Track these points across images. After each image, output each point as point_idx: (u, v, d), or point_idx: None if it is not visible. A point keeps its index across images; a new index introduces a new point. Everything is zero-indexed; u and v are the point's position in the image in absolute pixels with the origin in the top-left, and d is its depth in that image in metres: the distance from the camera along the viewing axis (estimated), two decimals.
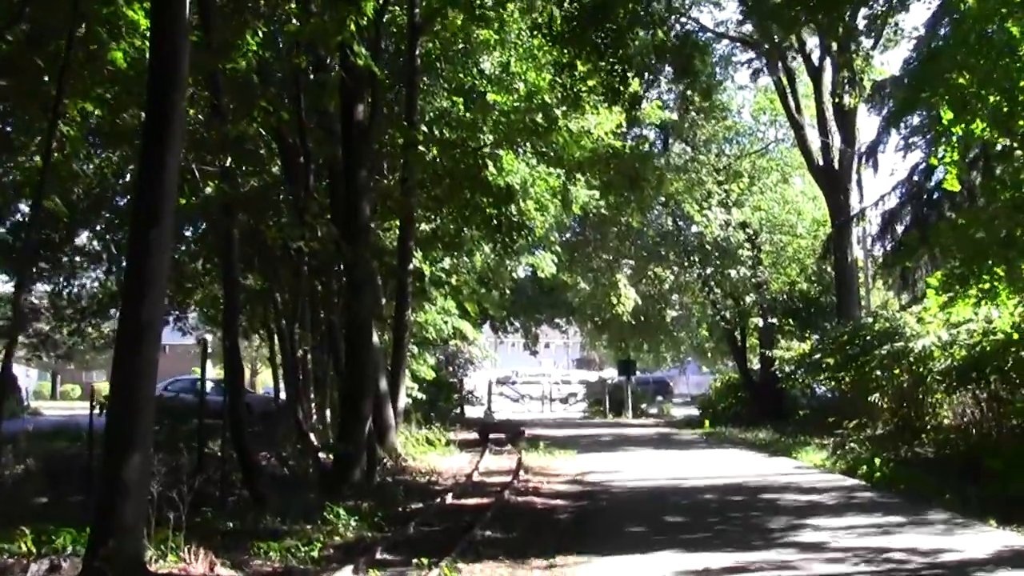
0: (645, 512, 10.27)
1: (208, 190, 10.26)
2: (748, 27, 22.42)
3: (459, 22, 16.26)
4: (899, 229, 21.17)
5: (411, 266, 17.27)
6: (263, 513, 9.32)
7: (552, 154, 19.13)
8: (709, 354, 38.97)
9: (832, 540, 8.14)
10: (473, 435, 20.75)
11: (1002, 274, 12.07)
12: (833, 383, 19.53)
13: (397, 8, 16.23)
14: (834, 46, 19.98)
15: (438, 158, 14.18)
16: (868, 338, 16.67)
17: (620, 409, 32.40)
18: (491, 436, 19.91)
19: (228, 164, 10.79)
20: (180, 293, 19.31)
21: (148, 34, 7.88)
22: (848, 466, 13.57)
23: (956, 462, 12.34)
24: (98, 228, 19.72)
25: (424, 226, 18.27)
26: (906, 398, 16.00)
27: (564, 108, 17.17)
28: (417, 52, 16.28)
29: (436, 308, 21.89)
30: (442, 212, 16.51)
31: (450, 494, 11.45)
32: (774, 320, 26.57)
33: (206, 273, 18.04)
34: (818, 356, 19.11)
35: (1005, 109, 10.90)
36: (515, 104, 18.05)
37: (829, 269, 24.25)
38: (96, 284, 21.51)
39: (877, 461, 12.91)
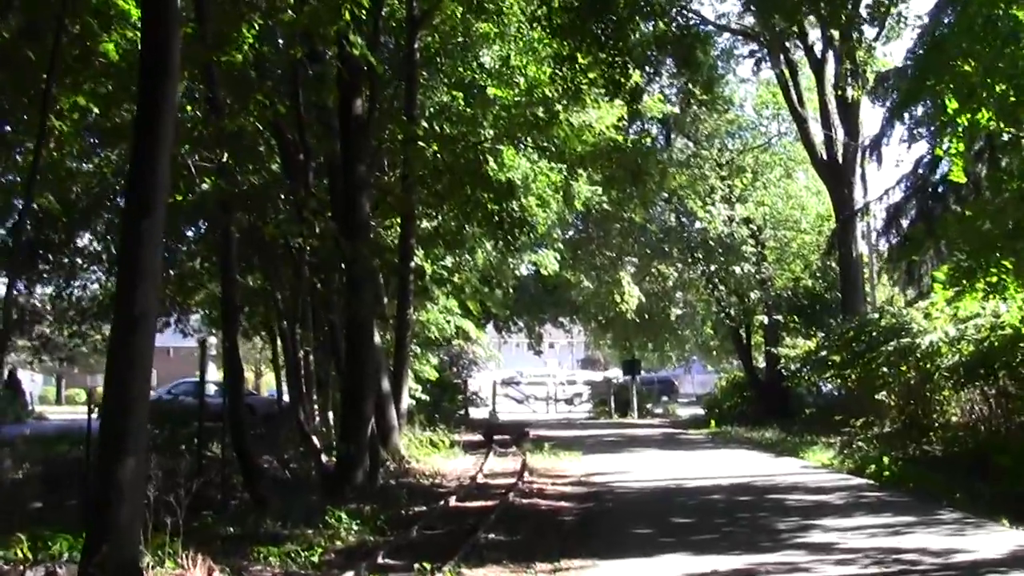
0: (651, 513, 10.13)
1: (205, 186, 10.12)
2: (749, 19, 22.28)
3: (458, 15, 16.11)
4: (904, 223, 20.98)
5: (412, 264, 17.13)
6: (264, 517, 9.20)
7: (553, 149, 18.96)
8: (714, 353, 38.78)
9: (841, 541, 8.00)
10: (478, 436, 20.64)
11: (1010, 267, 11.90)
12: (839, 381, 19.34)
13: (396, 1, 16.09)
14: (836, 36, 19.77)
15: (438, 153, 14.04)
16: (874, 334, 16.47)
17: (625, 409, 32.22)
18: (496, 437, 19.81)
19: (225, 160, 10.65)
20: (181, 294, 19.19)
21: (139, 24, 7.72)
22: (856, 465, 13.42)
23: (965, 460, 12.20)
24: (98, 228, 19.60)
25: (425, 223, 18.13)
26: (913, 395, 15.82)
27: (565, 102, 17.00)
28: (416, 46, 16.15)
29: (438, 307, 21.75)
30: (443, 209, 16.38)
31: (454, 496, 11.32)
32: (779, 317, 26.40)
33: (204, 272, 17.90)
34: (824, 353, 18.92)
35: (1011, 98, 10.72)
36: (515, 98, 17.90)
37: (834, 265, 24.07)
38: (97, 285, 21.38)
39: (885, 460, 12.76)
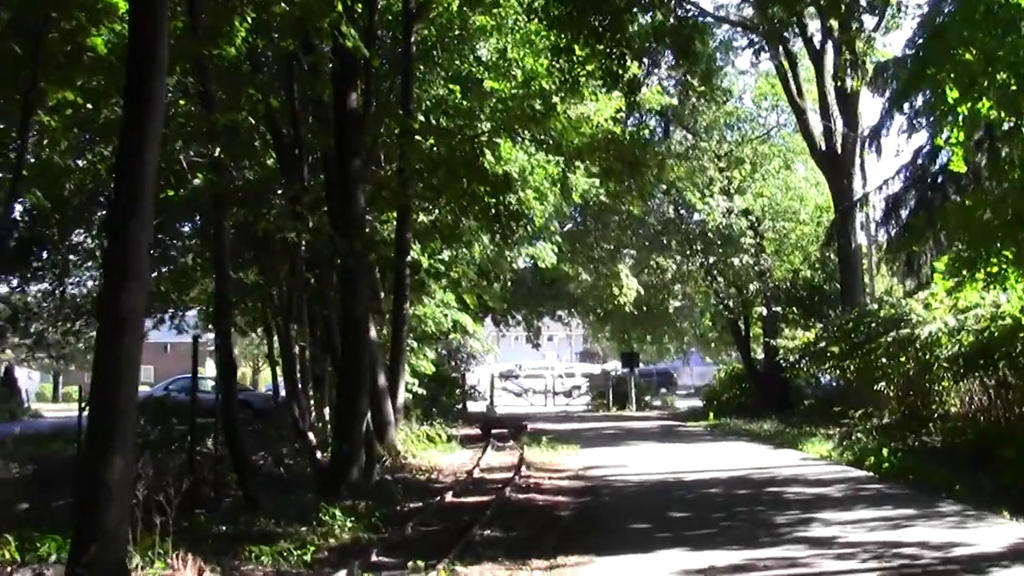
0: (649, 508, 10.03)
1: (196, 181, 10.01)
2: (748, 11, 22.12)
3: (455, 7, 15.98)
4: (903, 214, 20.85)
5: (409, 258, 17.03)
6: (257, 515, 9.11)
7: (551, 141, 18.86)
8: (712, 344, 38.72)
9: (841, 535, 7.90)
10: (475, 430, 20.57)
11: (1011, 257, 11.80)
12: (838, 372, 19.29)
13: None
14: (835, 27, 19.63)
15: (435, 147, 13.93)
16: (873, 325, 16.43)
17: (624, 402, 32.17)
18: (493, 431, 19.74)
19: (217, 154, 10.53)
20: (176, 289, 19.09)
21: (127, 17, 7.60)
22: (855, 457, 13.33)
23: (964, 451, 12.14)
24: (94, 224, 19.48)
25: (422, 217, 18.02)
26: (913, 386, 15.78)
27: (562, 94, 16.91)
28: (413, 39, 16.04)
29: (435, 301, 21.65)
30: (440, 202, 16.26)
31: (450, 492, 11.23)
32: (778, 309, 26.32)
33: (198, 268, 17.80)
34: (823, 344, 18.87)
35: (1012, 87, 10.60)
36: (512, 91, 17.79)
37: (833, 256, 23.97)
38: (92, 282, 21.28)
39: (885, 452, 12.67)
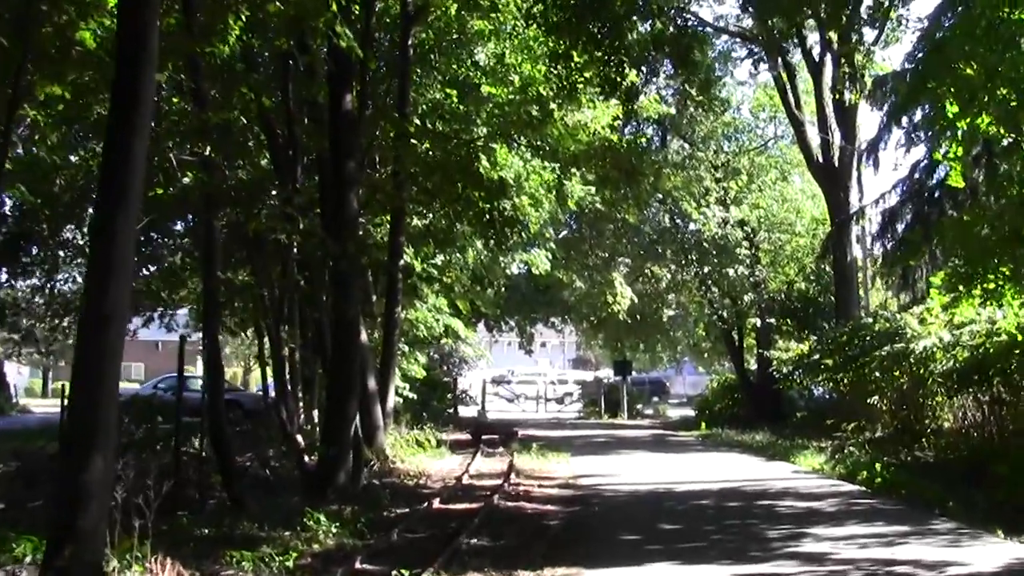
0: (639, 519, 9.92)
1: (187, 180, 9.88)
2: (748, 22, 22.12)
3: (453, 11, 15.90)
4: (900, 228, 20.83)
5: (402, 262, 16.91)
6: (241, 518, 8.97)
7: (547, 148, 18.79)
8: (706, 354, 38.67)
9: (833, 551, 7.79)
10: (466, 436, 20.42)
11: (1008, 273, 11.75)
12: (831, 384, 19.22)
13: None
14: (835, 40, 19.62)
15: (430, 150, 13.84)
16: (868, 339, 16.36)
17: (616, 410, 32.05)
18: (484, 437, 19.59)
19: (209, 153, 10.41)
20: (167, 288, 18.96)
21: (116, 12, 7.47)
22: (847, 471, 13.22)
23: (958, 467, 12.06)
24: (84, 221, 19.32)
25: (416, 221, 17.90)
26: (906, 400, 15.71)
27: (560, 101, 16.82)
28: (410, 42, 15.94)
29: (427, 306, 21.53)
30: (434, 206, 16.16)
31: (438, 498, 11.09)
32: (772, 320, 26.28)
33: (187, 268, 17.66)
34: (816, 357, 18.79)
35: (1013, 103, 10.55)
36: (510, 96, 17.71)
37: (828, 268, 23.94)
38: (81, 278, 21.10)
39: (877, 466, 12.57)
